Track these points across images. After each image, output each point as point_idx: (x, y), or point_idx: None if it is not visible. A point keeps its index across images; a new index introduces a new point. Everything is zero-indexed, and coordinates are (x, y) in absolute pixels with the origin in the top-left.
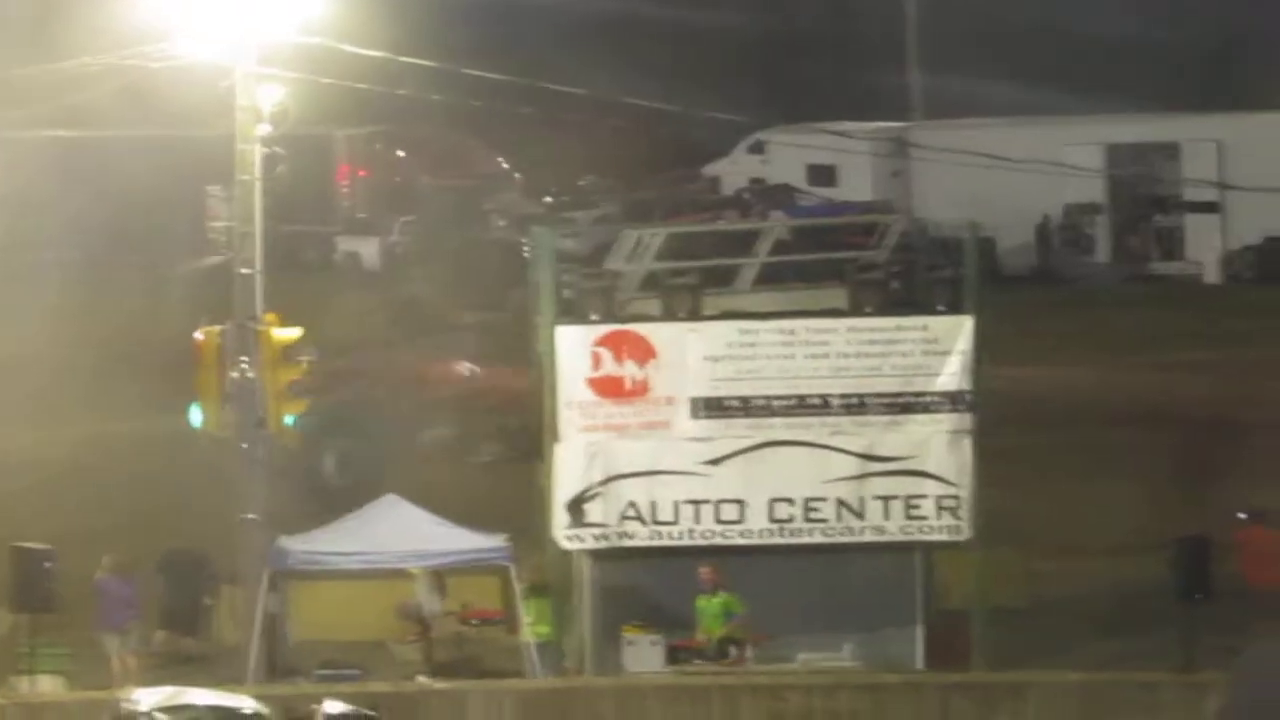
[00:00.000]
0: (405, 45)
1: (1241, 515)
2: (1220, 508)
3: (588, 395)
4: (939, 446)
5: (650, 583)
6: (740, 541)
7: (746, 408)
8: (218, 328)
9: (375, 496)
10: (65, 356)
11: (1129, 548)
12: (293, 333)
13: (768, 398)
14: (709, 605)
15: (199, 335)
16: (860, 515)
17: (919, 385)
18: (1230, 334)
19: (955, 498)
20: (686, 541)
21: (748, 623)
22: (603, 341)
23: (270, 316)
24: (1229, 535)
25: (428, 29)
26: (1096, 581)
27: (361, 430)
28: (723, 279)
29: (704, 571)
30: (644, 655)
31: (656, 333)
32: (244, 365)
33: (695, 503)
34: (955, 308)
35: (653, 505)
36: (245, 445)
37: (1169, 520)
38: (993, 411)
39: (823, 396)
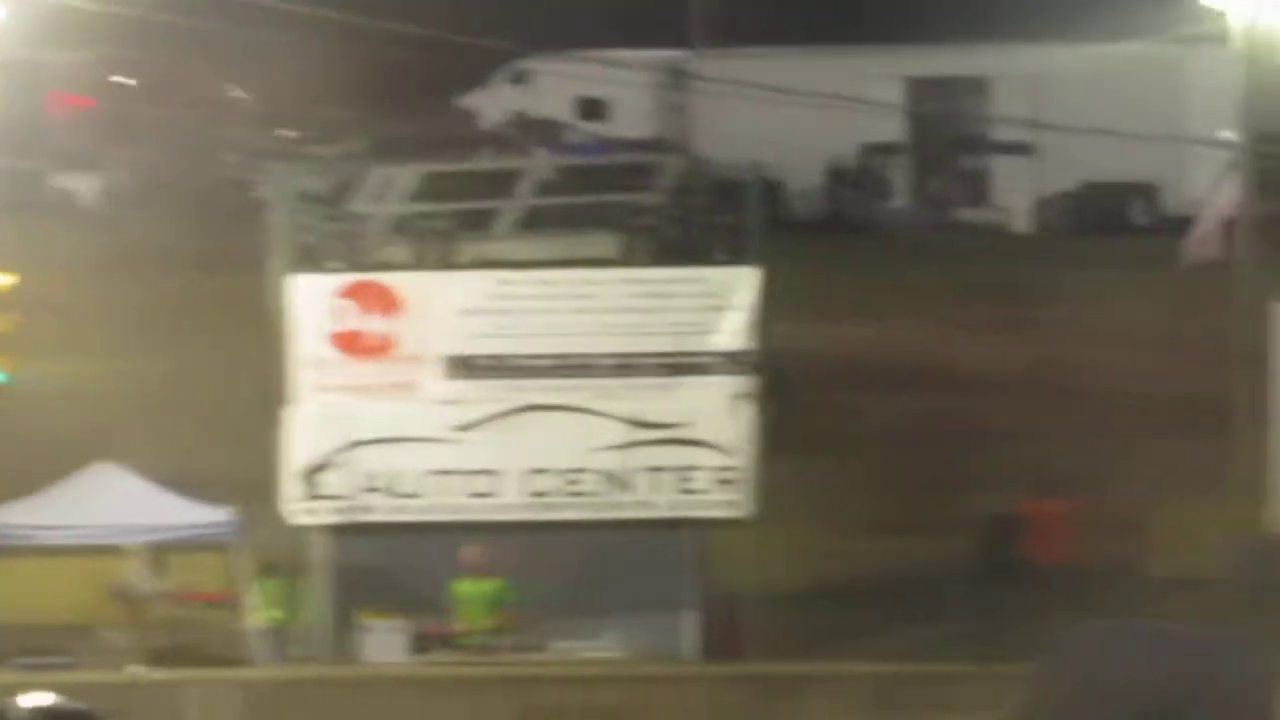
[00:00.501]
0: None
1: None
2: (1030, 478)
3: (328, 352)
4: (716, 412)
5: (396, 563)
6: (493, 517)
7: (503, 368)
8: None
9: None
10: None
11: (930, 524)
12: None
13: (527, 357)
14: (474, 591)
15: None
16: (627, 488)
17: (695, 344)
18: (1037, 289)
19: (734, 469)
20: (432, 517)
21: (515, 613)
22: (345, 292)
23: None
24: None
25: None
26: (894, 562)
27: None
28: (479, 224)
29: (468, 552)
30: (384, 643)
31: (404, 283)
32: None
33: (444, 473)
34: (737, 258)
35: (396, 476)
36: None
37: (974, 494)
38: (778, 373)
39: (588, 356)
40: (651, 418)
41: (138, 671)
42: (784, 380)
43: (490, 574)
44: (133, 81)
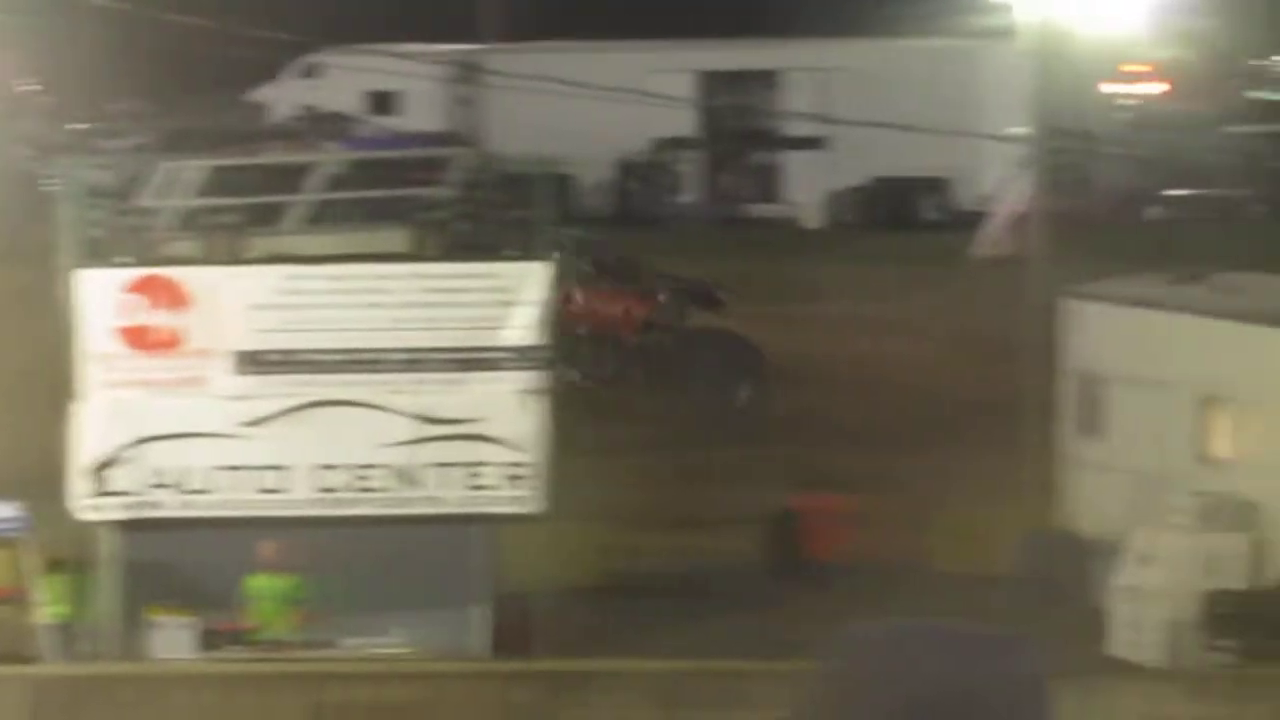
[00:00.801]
0: None
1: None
2: (818, 475)
3: (116, 347)
4: (507, 408)
5: (186, 560)
6: (283, 513)
7: (293, 363)
8: None
9: None
10: None
11: (718, 521)
12: None
13: (317, 352)
14: (268, 587)
15: None
16: (418, 485)
17: (486, 339)
18: (824, 284)
19: (524, 465)
20: (222, 512)
21: (308, 610)
22: (133, 287)
23: None
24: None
25: None
26: (683, 559)
27: None
28: (269, 218)
29: (264, 548)
30: (173, 640)
31: (193, 278)
32: None
33: (232, 469)
34: (528, 253)
35: (185, 471)
36: None
37: (762, 490)
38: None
39: (378, 351)
40: (441, 413)
41: None
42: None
43: (285, 570)
44: None
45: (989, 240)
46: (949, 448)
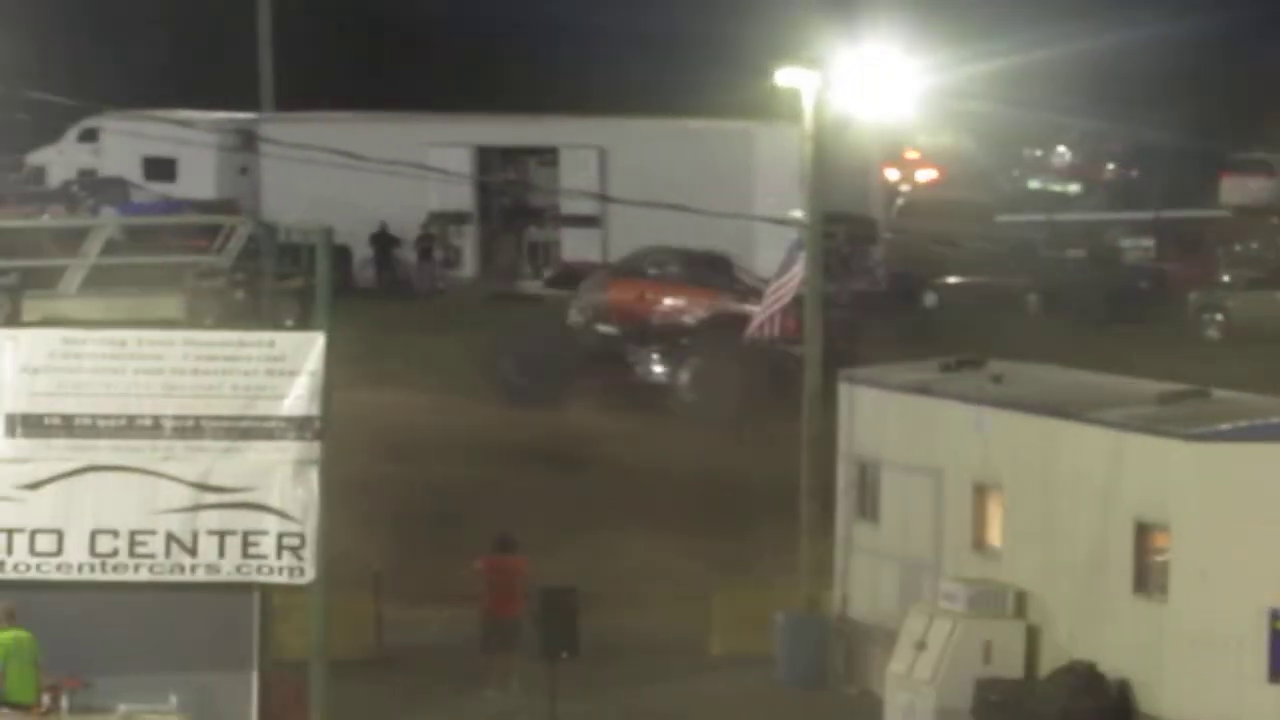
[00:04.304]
0: None
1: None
2: (598, 552)
3: None
4: (282, 477)
5: None
6: (58, 576)
7: (69, 427)
8: None
9: None
10: None
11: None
12: None
13: (93, 416)
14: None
15: None
16: (193, 551)
17: (262, 408)
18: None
19: (298, 535)
20: None
21: (58, 673)
22: None
23: None
24: (602, 584)
25: None
26: (461, 632)
27: None
28: (47, 281)
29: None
30: None
31: None
32: None
33: (8, 531)
34: (304, 323)
35: None
36: None
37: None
38: (345, 441)
39: (154, 417)
40: (218, 481)
41: None
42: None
43: (22, 627)
44: None
45: (762, 321)
46: (725, 529)
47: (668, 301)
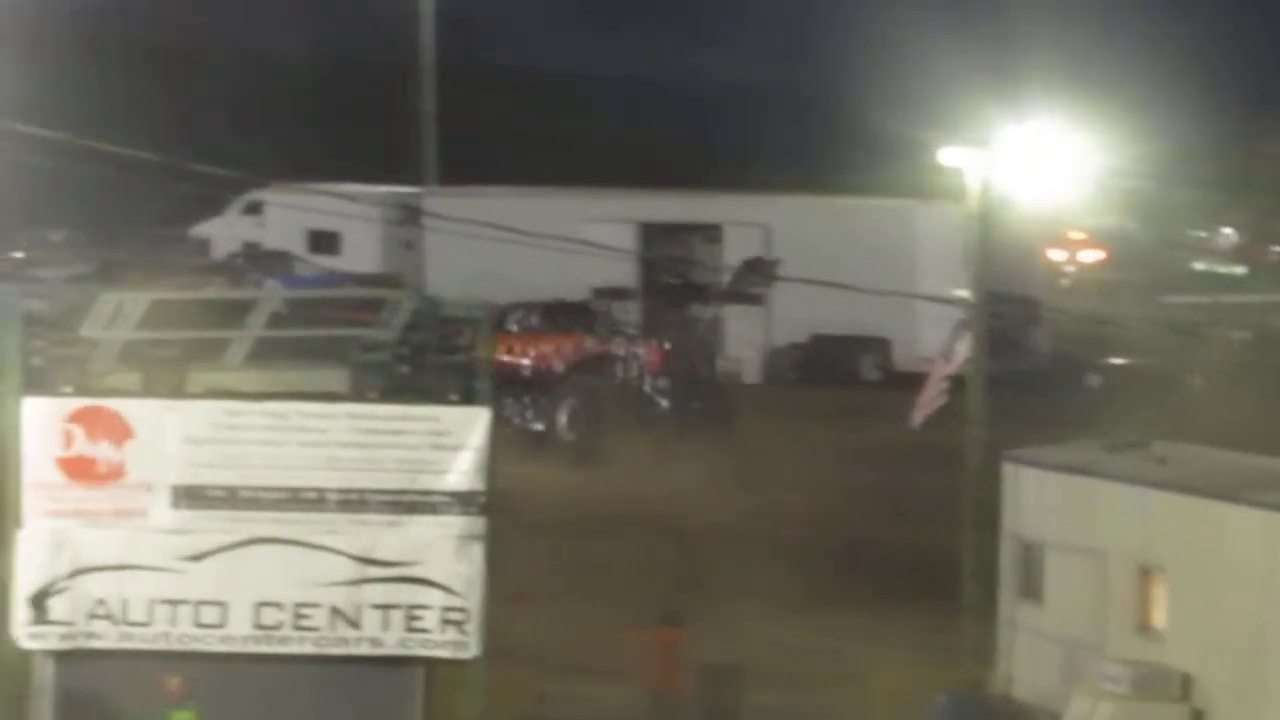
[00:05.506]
0: None
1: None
2: (746, 629)
3: (56, 476)
4: (445, 552)
5: (118, 689)
6: (221, 648)
7: (232, 499)
8: None
9: None
10: None
11: (623, 669)
12: None
13: (256, 489)
14: None
15: None
16: (356, 625)
17: (426, 483)
18: (755, 440)
19: (462, 610)
20: (162, 645)
21: None
22: (74, 417)
23: None
24: (758, 659)
25: None
26: (614, 708)
27: None
28: (210, 353)
29: (171, 683)
30: None
31: (134, 410)
32: None
33: (172, 603)
34: (468, 398)
35: (124, 603)
36: None
37: (692, 642)
38: (505, 516)
39: (319, 490)
40: (381, 555)
41: None
42: None
43: (187, 703)
44: None
45: (927, 401)
46: (887, 606)
47: (534, 352)
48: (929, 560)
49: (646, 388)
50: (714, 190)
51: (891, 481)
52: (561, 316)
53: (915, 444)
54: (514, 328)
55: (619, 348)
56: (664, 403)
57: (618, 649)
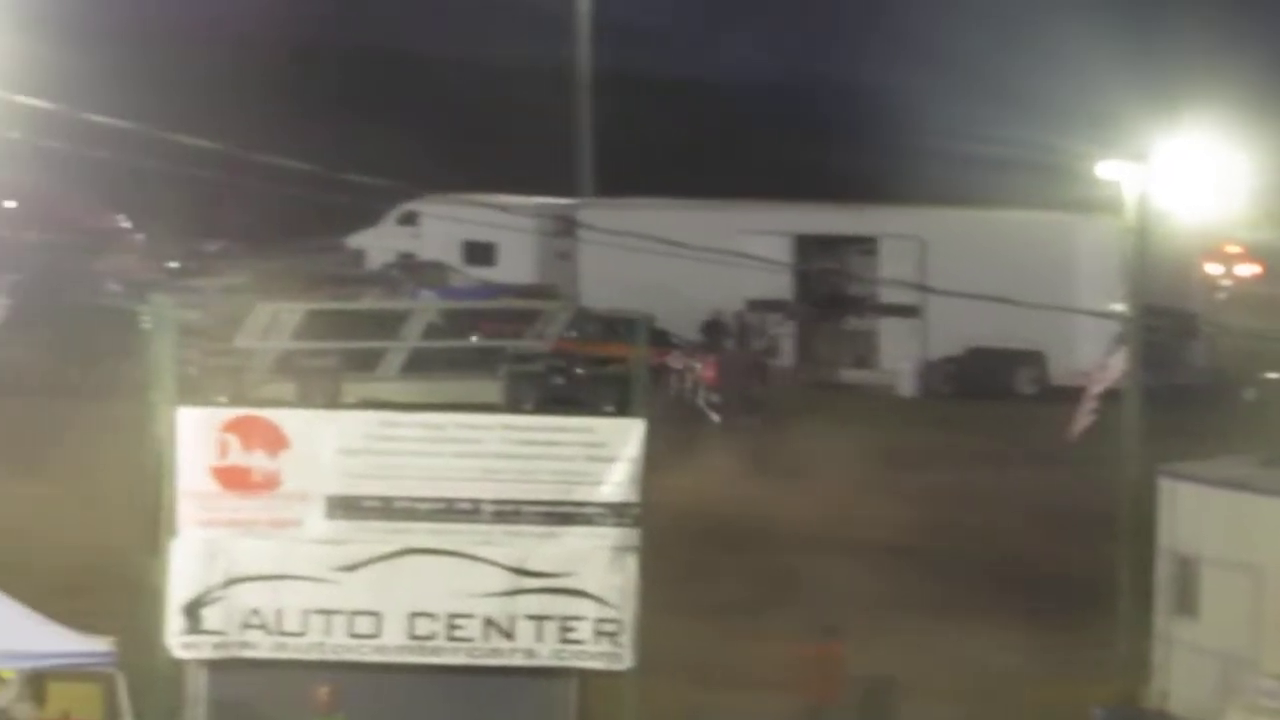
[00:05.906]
0: (17, 82)
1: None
2: (900, 642)
3: (210, 486)
4: (600, 564)
5: (272, 698)
6: (375, 658)
7: (387, 509)
8: None
9: None
10: None
11: (781, 681)
12: None
13: (411, 499)
14: None
15: None
16: (510, 636)
17: (580, 494)
18: (913, 455)
19: (616, 621)
20: (316, 656)
21: None
22: (230, 427)
23: None
24: (913, 672)
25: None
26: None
27: None
28: (365, 364)
29: (321, 692)
30: None
31: (289, 420)
32: None
33: (326, 613)
34: (623, 409)
35: (278, 613)
36: None
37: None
38: (657, 528)
39: (474, 501)
40: (535, 566)
41: None
42: None
43: (336, 713)
44: (20, 205)
45: (1084, 415)
46: (1041, 621)
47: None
48: (1084, 575)
49: (699, 401)
50: (870, 203)
51: (1046, 496)
52: (620, 326)
53: (1070, 458)
54: (574, 334)
55: (676, 361)
56: (715, 417)
57: (769, 661)
